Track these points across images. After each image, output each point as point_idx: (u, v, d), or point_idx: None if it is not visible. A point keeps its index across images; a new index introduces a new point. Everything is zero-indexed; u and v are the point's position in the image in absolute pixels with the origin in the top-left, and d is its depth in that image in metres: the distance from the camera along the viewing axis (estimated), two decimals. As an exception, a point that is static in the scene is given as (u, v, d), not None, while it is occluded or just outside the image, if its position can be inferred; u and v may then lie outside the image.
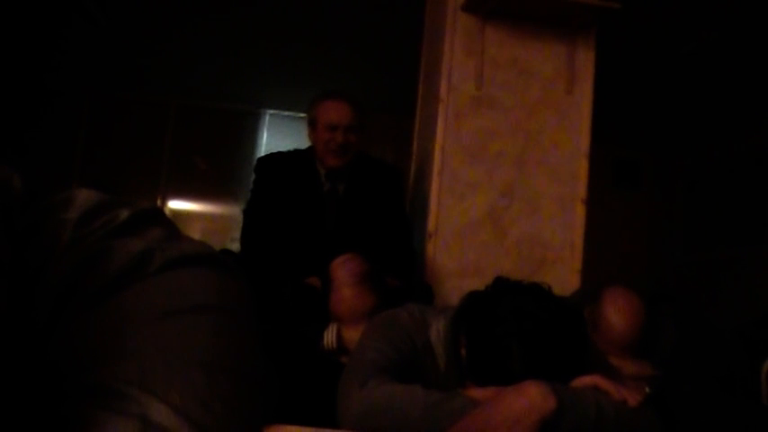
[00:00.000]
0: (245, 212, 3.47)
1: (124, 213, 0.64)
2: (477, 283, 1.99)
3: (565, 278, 3.51)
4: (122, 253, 0.59)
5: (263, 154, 5.56)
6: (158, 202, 7.89)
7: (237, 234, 3.50)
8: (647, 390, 1.86)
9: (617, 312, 2.49)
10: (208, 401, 0.52)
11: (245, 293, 0.66)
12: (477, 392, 1.65)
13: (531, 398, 1.51)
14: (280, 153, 3.60)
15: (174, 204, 8.12)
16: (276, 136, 8.04)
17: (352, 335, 2.43)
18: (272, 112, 8.17)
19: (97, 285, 0.57)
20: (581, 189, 3.66)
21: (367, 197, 3.44)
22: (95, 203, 0.64)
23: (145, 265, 0.59)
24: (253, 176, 3.53)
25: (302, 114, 3.65)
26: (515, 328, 1.66)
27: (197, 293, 0.59)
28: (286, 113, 8.10)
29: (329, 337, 2.54)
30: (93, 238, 0.61)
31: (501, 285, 1.82)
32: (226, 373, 0.55)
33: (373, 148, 3.77)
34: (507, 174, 3.63)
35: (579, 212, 3.64)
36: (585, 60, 3.74)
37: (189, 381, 0.52)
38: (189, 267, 0.61)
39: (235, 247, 3.67)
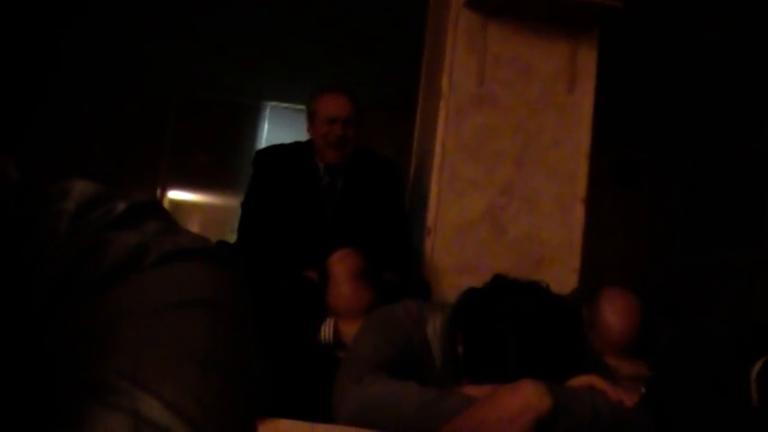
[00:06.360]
0: (244, 205, 3.47)
1: (121, 205, 0.64)
2: (475, 281, 1.98)
3: (563, 277, 3.51)
4: (118, 246, 0.59)
5: (263, 146, 5.55)
6: (158, 193, 7.89)
7: (237, 226, 3.50)
8: (643, 390, 1.86)
9: (615, 313, 2.49)
10: (201, 397, 0.51)
11: (242, 288, 0.65)
12: (472, 390, 1.65)
13: (527, 397, 1.51)
14: (279, 146, 3.60)
15: (174, 195, 8.10)
16: (277, 128, 8.02)
17: (349, 330, 2.43)
18: (272, 104, 8.16)
19: (92, 278, 0.56)
20: (580, 189, 3.65)
21: (366, 192, 3.44)
22: (92, 195, 0.63)
23: (141, 258, 0.59)
24: (251, 169, 3.53)
25: (303, 107, 3.65)
26: (512, 326, 1.66)
27: (193, 288, 0.59)
28: (287, 106, 8.08)
29: (326, 331, 2.54)
30: (89, 230, 0.60)
31: (499, 283, 1.82)
32: (220, 368, 0.54)
33: (373, 143, 3.76)
34: (507, 172, 3.62)
35: (578, 212, 3.64)
36: (587, 59, 3.73)
37: (183, 375, 0.52)
38: (185, 261, 0.61)
39: (234, 238, 3.67)
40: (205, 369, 0.53)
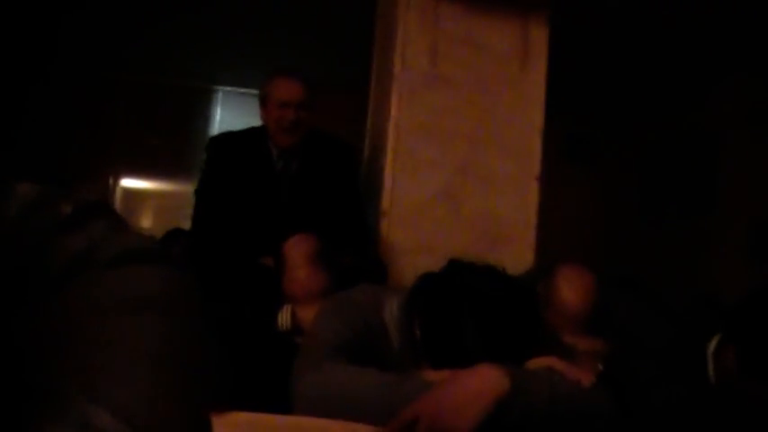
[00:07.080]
0: (197, 192, 3.44)
1: (66, 207, 0.62)
2: (432, 261, 1.99)
3: (520, 255, 3.53)
4: (65, 249, 0.58)
5: (216, 132, 5.51)
6: (110, 182, 7.79)
7: (191, 213, 3.47)
8: (600, 367, 1.87)
9: (571, 290, 2.50)
10: (152, 401, 0.50)
11: (193, 287, 0.64)
12: (431, 375, 1.65)
13: (485, 380, 1.52)
14: (232, 133, 3.58)
15: (127, 183, 8.01)
16: (230, 113, 7.96)
17: (307, 315, 2.43)
18: (225, 89, 8.10)
19: (40, 283, 0.55)
20: (535, 166, 3.67)
21: (321, 175, 3.43)
22: (35, 197, 0.62)
23: (89, 261, 0.58)
24: (204, 156, 3.51)
25: (256, 91, 3.63)
26: (469, 308, 1.66)
27: (142, 289, 0.58)
28: (240, 91, 8.02)
29: (283, 317, 2.54)
30: (34, 234, 0.59)
31: (455, 266, 1.82)
32: (173, 371, 0.54)
33: (327, 125, 3.74)
34: (461, 150, 3.62)
35: (533, 189, 3.65)
36: (539, 36, 3.74)
37: (134, 379, 0.51)
38: (134, 263, 0.60)
39: (188, 225, 3.64)
40: (158, 371, 0.52)
